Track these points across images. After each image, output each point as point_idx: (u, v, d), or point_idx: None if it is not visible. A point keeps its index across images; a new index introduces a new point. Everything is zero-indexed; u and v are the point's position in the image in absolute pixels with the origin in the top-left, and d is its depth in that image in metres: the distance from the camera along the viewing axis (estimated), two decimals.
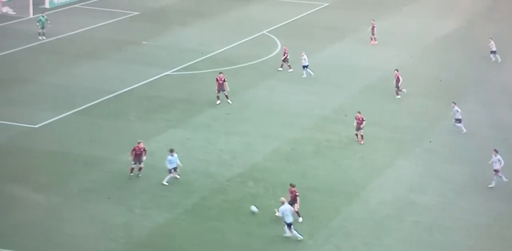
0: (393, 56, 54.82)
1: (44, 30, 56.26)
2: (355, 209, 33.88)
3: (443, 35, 60.59)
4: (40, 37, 56.18)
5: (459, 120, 41.63)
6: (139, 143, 35.95)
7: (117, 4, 66.95)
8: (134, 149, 35.80)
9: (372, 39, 57.42)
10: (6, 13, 63.02)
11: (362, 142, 39.96)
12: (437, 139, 41.16)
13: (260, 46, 56.49)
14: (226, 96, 44.65)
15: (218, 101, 44.51)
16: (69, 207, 33.26)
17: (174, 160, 35.34)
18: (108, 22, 61.59)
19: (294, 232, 31.03)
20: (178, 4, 68.14)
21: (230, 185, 35.65)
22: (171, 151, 35.53)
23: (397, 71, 46.42)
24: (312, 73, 49.82)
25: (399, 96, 46.49)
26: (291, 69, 50.60)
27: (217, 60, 52.91)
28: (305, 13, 66.01)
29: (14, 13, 62.75)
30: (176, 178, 35.52)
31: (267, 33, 59.95)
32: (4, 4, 63.52)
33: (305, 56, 50.04)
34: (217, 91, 44.51)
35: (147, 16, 63.87)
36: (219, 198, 34.52)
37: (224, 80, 44.32)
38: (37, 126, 41.38)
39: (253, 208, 31.79)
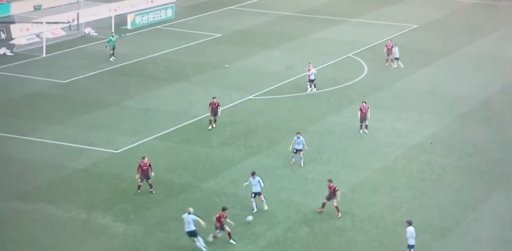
0: (490, 83, 52.40)
1: (115, 51, 55.73)
2: (449, 246, 31.91)
3: None
4: (113, 58, 55.62)
5: (297, 151, 38.98)
6: (143, 158, 35.34)
7: (199, 26, 66.24)
8: (139, 165, 35.26)
9: (387, 60, 55.19)
10: (88, 34, 62.98)
11: (339, 215, 33.94)
12: None
13: (345, 70, 54.84)
14: (215, 120, 43.46)
15: (210, 127, 43.42)
16: (148, 236, 32.19)
17: (254, 182, 34.18)
18: (190, 44, 60.87)
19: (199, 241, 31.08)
20: (261, 26, 67.09)
21: (316, 217, 34.04)
22: (252, 174, 34.42)
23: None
24: (315, 89, 48.96)
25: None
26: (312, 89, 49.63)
27: (300, 84, 51.40)
28: (393, 35, 63.83)
29: (96, 34, 62.64)
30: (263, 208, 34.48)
31: (352, 56, 58.27)
32: (86, 25, 63.53)
33: (313, 70, 48.64)
34: (210, 115, 43.53)
35: (229, 39, 62.96)
36: (304, 230, 33.01)
37: (218, 105, 43.38)
38: (117, 151, 40.54)
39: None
